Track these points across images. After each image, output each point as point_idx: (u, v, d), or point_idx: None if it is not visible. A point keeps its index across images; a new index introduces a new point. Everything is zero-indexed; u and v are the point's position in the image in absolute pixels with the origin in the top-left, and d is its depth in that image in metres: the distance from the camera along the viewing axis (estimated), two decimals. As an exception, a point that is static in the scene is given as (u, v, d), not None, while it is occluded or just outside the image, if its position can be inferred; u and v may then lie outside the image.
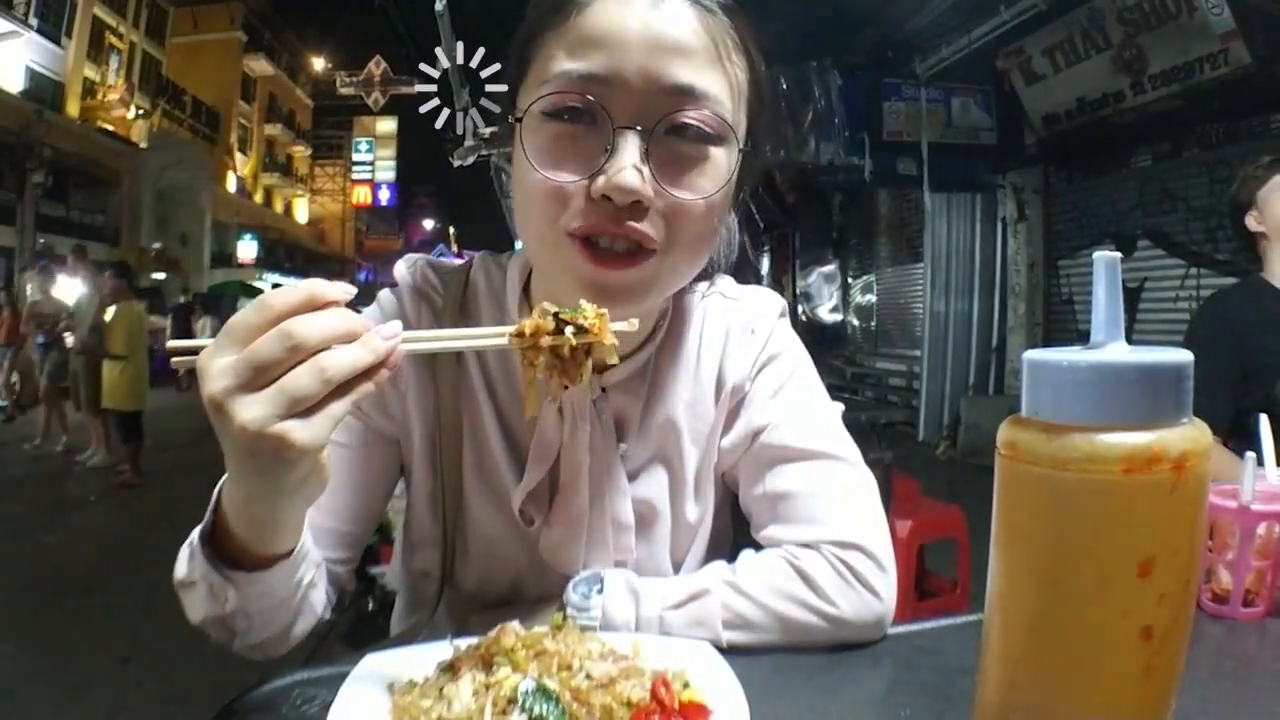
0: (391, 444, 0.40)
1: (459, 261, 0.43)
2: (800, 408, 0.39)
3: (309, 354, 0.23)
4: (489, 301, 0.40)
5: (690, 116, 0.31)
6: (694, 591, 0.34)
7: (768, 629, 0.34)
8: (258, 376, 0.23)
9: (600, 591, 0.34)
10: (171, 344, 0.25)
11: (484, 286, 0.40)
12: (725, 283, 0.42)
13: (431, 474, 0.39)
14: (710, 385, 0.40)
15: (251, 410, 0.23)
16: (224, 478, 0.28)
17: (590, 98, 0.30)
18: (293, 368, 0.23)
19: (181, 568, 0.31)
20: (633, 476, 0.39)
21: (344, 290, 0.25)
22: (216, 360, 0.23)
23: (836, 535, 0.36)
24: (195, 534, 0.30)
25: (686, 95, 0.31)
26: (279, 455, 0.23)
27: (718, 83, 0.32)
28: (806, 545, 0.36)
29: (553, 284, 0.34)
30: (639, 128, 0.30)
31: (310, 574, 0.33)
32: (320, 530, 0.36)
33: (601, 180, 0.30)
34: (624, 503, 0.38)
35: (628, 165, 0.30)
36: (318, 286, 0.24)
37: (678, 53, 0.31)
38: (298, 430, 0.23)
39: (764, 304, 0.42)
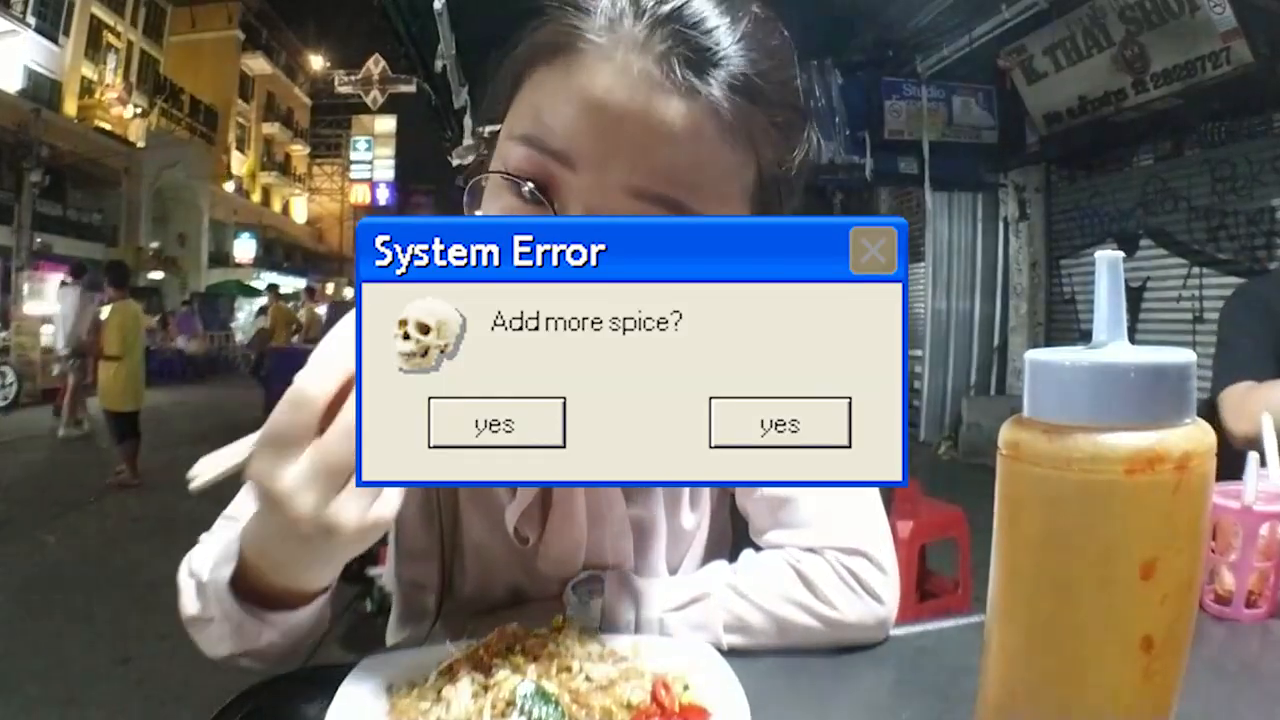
0: None
1: None
2: None
3: None
4: None
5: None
6: (695, 594, 0.34)
7: (769, 632, 0.34)
8: (339, 477, 0.22)
9: (599, 594, 0.34)
10: (196, 470, 0.23)
11: None
12: None
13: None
14: None
15: (351, 509, 0.23)
16: (245, 533, 0.27)
17: (546, 193, 0.27)
18: None
19: (191, 604, 0.29)
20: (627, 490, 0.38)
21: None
22: (287, 474, 0.22)
23: (838, 540, 0.35)
24: (210, 575, 0.29)
25: (659, 205, 0.26)
26: (376, 532, 0.23)
27: (705, 196, 0.27)
28: (808, 550, 0.36)
29: None
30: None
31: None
32: None
33: None
34: (620, 516, 0.37)
35: None
36: (349, 365, 0.23)
37: (661, 158, 0.26)
38: (388, 506, 0.23)
39: None
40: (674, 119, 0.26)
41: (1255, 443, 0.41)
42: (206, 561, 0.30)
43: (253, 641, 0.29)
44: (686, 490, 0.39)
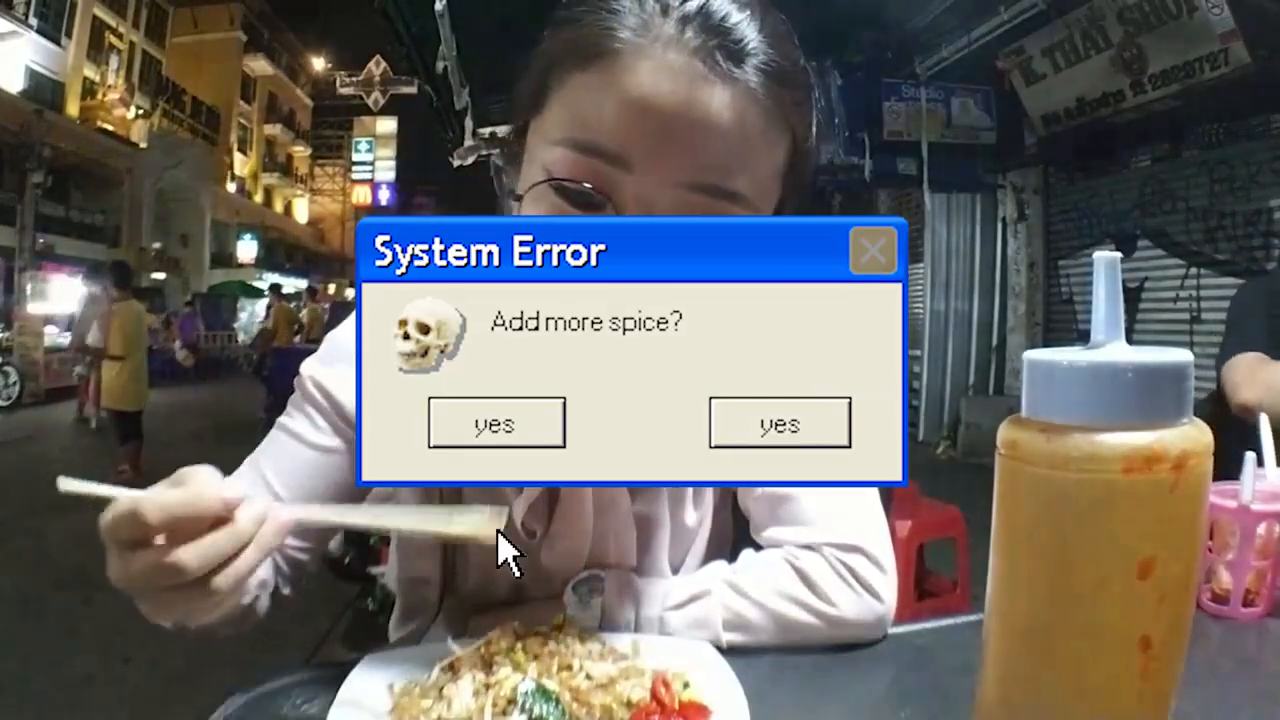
0: None
1: None
2: None
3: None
4: None
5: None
6: (695, 592, 0.35)
7: (767, 630, 0.34)
8: (155, 590, 0.24)
9: (600, 593, 0.35)
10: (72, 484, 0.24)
11: None
12: None
13: None
14: None
15: (168, 617, 0.25)
16: None
17: (602, 194, 0.27)
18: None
19: None
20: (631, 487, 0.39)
21: (229, 503, 0.24)
22: (116, 564, 0.24)
23: (837, 537, 0.35)
24: None
25: (711, 195, 0.27)
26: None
27: (750, 180, 0.28)
28: (807, 547, 0.36)
29: None
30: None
31: (257, 585, 0.33)
32: None
33: None
34: (624, 512, 0.37)
35: None
36: (201, 505, 0.23)
37: (713, 149, 0.27)
38: (209, 615, 0.25)
39: None
40: (721, 110, 0.27)
41: (1255, 412, 0.41)
42: None
43: (163, 620, 0.29)
44: (690, 488, 0.39)
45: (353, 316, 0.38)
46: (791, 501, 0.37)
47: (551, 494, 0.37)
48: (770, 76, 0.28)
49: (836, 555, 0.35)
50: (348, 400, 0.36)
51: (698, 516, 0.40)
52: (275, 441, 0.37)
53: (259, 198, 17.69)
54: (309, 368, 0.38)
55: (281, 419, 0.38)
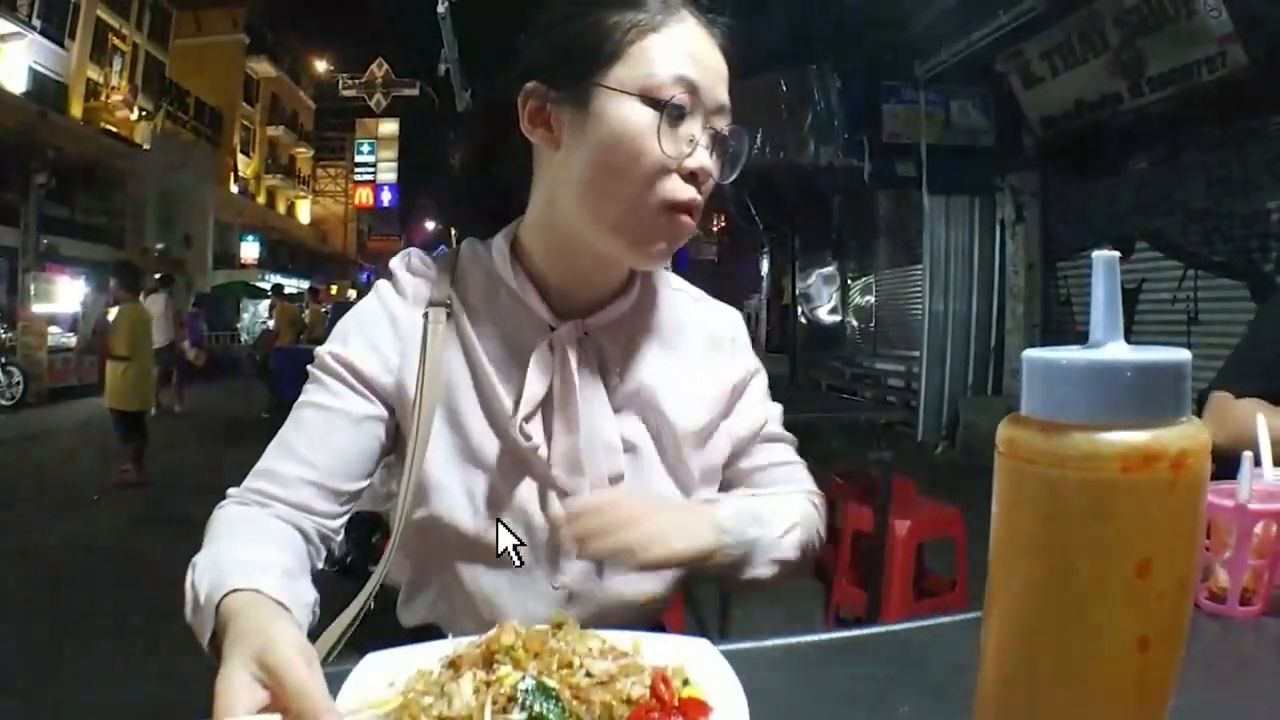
0: (385, 412, 0.43)
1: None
2: (773, 406, 0.52)
3: None
4: (475, 269, 0.45)
5: (729, 130, 0.42)
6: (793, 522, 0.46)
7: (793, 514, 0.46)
8: None
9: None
10: None
11: (471, 259, 0.46)
12: (682, 282, 0.51)
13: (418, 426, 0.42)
14: (695, 352, 0.48)
15: None
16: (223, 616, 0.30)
17: (687, 106, 0.40)
18: None
19: (189, 612, 0.33)
20: (617, 409, 0.44)
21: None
22: None
23: (807, 487, 0.51)
24: (203, 602, 0.31)
25: (726, 113, 0.42)
26: None
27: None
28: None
29: (584, 241, 0.42)
30: (711, 129, 0.41)
31: (310, 609, 0.35)
32: (312, 486, 0.40)
33: (692, 161, 0.40)
34: (609, 426, 0.43)
35: (709, 154, 0.41)
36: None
37: (724, 81, 0.42)
38: None
39: (734, 317, 0.52)
40: (723, 59, 0.43)
41: (1223, 450, 0.41)
42: (204, 578, 0.32)
43: None
44: (673, 424, 0.45)
45: (357, 305, 0.45)
46: (774, 469, 0.50)
47: (546, 416, 0.42)
48: (730, 40, 0.43)
49: (810, 498, 0.50)
50: (366, 368, 0.42)
51: (690, 416, 0.45)
52: (297, 419, 0.41)
53: (262, 199, 17.68)
54: (325, 349, 0.43)
55: (299, 400, 0.42)
